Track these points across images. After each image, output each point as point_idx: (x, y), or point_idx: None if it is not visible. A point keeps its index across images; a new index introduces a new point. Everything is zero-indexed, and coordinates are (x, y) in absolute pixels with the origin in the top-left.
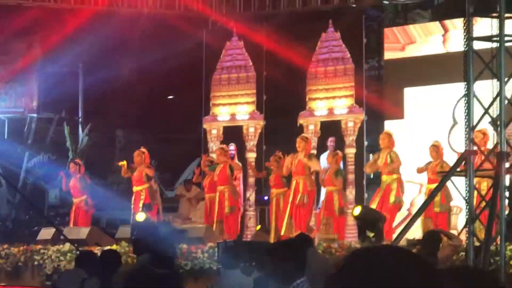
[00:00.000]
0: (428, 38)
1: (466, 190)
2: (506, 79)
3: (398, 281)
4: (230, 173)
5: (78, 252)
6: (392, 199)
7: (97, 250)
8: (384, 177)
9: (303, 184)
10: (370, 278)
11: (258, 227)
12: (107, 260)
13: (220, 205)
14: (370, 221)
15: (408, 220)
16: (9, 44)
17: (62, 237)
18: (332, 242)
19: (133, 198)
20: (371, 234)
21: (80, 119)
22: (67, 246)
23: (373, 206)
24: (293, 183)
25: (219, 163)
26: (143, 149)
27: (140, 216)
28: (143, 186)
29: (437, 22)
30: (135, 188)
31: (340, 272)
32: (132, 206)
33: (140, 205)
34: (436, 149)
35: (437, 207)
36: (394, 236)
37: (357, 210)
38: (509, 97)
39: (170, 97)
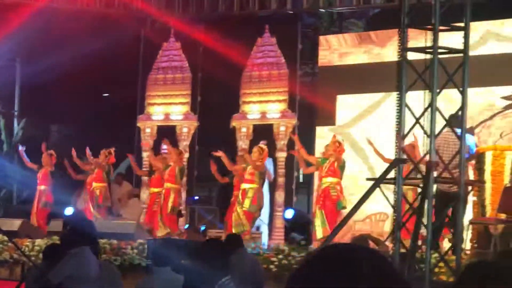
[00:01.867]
0: (363, 47)
1: (394, 197)
2: (438, 90)
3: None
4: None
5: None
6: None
7: (28, 243)
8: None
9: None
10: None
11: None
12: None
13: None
14: (301, 224)
15: (338, 223)
16: None
17: None
18: None
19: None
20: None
21: (15, 113)
22: None
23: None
24: None
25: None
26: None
27: (68, 210)
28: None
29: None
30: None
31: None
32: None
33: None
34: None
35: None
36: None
37: (290, 213)
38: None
39: (106, 95)
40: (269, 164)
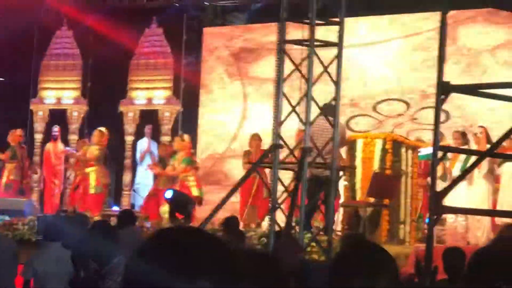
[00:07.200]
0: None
1: (270, 180)
2: (313, 81)
3: (190, 258)
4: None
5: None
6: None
7: None
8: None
9: None
10: (164, 256)
11: None
12: None
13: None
14: (181, 204)
15: (216, 205)
16: None
17: None
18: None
19: None
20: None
21: None
22: None
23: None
24: None
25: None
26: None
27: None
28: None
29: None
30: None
31: (140, 250)
32: None
33: None
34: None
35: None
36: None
37: (169, 193)
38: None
39: (1, 79)
40: (153, 147)
